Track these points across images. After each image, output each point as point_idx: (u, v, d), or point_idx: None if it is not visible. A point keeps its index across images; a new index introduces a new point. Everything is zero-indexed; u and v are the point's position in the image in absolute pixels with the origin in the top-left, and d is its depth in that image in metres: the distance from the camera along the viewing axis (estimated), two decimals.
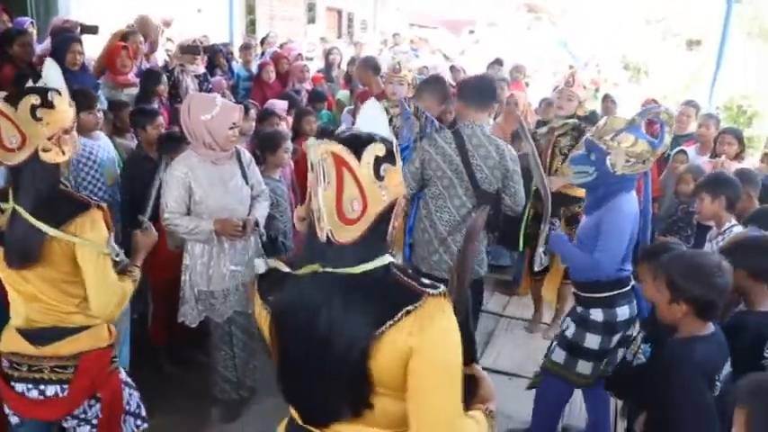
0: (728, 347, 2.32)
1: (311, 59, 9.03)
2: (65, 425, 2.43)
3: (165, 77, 5.11)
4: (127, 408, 2.49)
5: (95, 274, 2.21)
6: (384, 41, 11.70)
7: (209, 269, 3.35)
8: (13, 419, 2.39)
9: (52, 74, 2.23)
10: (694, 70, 13.39)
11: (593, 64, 12.06)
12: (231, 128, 3.21)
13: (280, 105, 5.35)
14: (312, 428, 1.52)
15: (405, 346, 1.36)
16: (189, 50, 5.74)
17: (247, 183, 3.41)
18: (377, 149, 1.36)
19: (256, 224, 3.40)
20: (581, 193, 3.82)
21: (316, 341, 1.40)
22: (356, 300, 1.38)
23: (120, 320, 2.89)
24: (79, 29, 5.64)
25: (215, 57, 6.74)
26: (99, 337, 2.36)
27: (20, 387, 2.31)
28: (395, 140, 1.45)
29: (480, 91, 3.48)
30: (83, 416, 2.38)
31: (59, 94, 2.17)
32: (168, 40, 7.67)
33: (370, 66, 5.88)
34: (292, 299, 1.45)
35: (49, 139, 2.12)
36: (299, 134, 5.06)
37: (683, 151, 5.48)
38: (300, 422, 1.54)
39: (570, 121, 4.47)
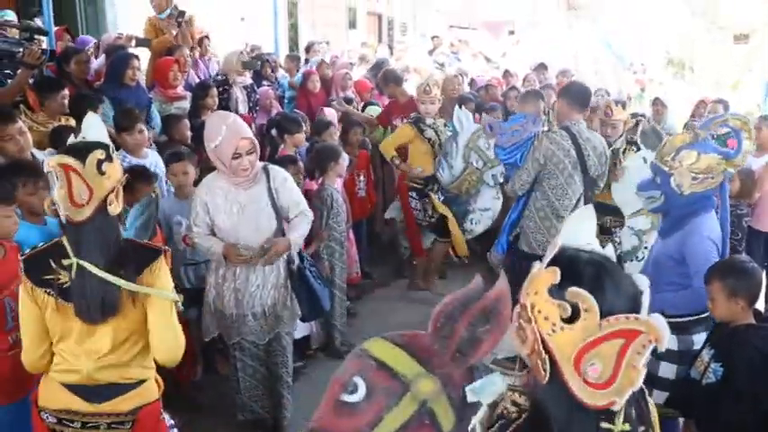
0: None
1: (353, 65, 9.03)
2: None
3: (214, 90, 5.18)
4: None
5: (161, 320, 2.19)
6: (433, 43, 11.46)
7: (217, 288, 3.33)
8: None
9: (94, 128, 2.21)
10: (742, 62, 13.05)
11: (638, 63, 11.85)
12: (236, 157, 3.09)
13: (329, 114, 5.40)
14: None
15: None
16: (248, 66, 5.78)
17: (276, 207, 3.28)
18: None
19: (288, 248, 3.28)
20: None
21: None
22: None
23: None
24: (134, 42, 5.73)
25: (261, 67, 6.72)
26: (152, 390, 2.35)
27: None
28: (599, 248, 1.30)
29: (582, 96, 4.16)
30: None
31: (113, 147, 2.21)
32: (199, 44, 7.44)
33: (391, 79, 6.09)
34: None
35: (111, 191, 2.12)
36: (344, 144, 5.10)
37: None
38: None
39: None
